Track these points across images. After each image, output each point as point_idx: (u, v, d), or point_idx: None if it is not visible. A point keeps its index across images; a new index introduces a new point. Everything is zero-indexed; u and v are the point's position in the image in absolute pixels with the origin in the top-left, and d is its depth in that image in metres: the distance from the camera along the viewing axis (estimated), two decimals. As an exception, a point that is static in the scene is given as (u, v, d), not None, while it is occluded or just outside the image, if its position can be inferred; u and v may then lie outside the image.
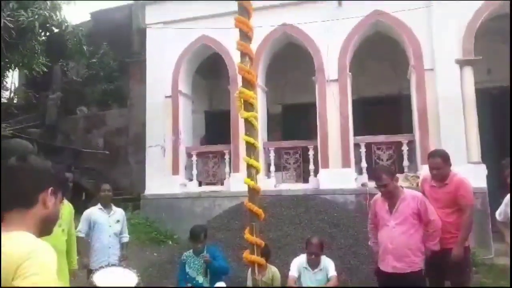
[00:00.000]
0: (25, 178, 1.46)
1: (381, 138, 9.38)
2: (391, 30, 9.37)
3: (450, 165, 4.47)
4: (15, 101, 14.77)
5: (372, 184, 8.87)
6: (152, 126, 10.78)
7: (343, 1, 9.39)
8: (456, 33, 8.63)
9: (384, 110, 10.87)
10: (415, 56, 8.93)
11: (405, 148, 9.04)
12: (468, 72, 8.55)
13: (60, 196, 1.55)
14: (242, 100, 4.09)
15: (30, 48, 8.72)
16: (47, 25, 8.44)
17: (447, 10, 8.59)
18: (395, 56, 9.96)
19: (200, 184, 10.56)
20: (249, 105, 4.09)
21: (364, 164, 9.20)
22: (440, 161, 4.41)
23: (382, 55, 10.35)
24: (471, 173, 6.96)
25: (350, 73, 9.51)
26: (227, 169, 10.18)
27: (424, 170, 7.75)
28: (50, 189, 1.48)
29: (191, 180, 10.49)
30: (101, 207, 5.61)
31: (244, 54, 4.13)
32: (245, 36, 4.11)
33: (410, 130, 9.44)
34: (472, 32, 8.55)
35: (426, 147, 8.36)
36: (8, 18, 7.32)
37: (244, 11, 4.12)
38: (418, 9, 8.71)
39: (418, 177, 8.40)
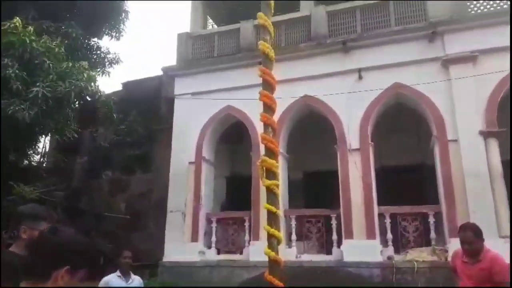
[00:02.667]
0: (45, 253, 1.50)
1: (406, 208, 9.14)
2: (411, 101, 9.52)
3: (482, 240, 4.29)
4: (44, 165, 15.31)
5: (398, 257, 8.53)
6: (174, 191, 10.90)
7: (363, 74, 9.71)
8: (478, 104, 8.69)
9: (408, 180, 10.70)
10: (437, 127, 8.96)
11: (431, 220, 8.75)
12: (493, 143, 8.46)
13: (82, 274, 1.54)
14: (264, 168, 4.12)
15: (63, 116, 9.22)
16: (82, 94, 8.99)
17: (467, 82, 8.72)
18: (417, 125, 10.03)
19: (218, 252, 10.36)
20: (271, 174, 4.12)
21: (389, 236, 8.90)
22: (471, 235, 4.25)
23: (404, 125, 10.43)
24: (502, 248, 6.61)
25: (372, 143, 9.54)
26: (246, 236, 10.00)
27: (452, 244, 7.45)
28: (65, 268, 1.48)
29: (209, 247, 10.31)
30: (120, 274, 5.52)
31: (267, 125, 4.24)
32: (269, 108, 4.25)
33: (435, 200, 9.19)
34: (495, 103, 8.59)
35: (454, 219, 8.09)
36: (47, 88, 7.85)
37: (268, 85, 4.30)
38: (438, 82, 8.91)
39: (446, 251, 8.04)
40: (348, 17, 10.49)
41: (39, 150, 15.08)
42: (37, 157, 15.22)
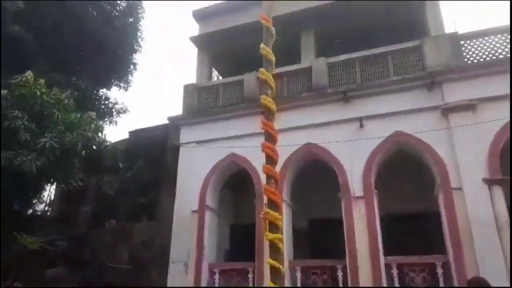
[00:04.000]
0: None
1: (413, 259, 8.95)
2: (413, 149, 9.59)
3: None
4: (49, 214, 15.27)
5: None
6: (177, 240, 10.80)
7: (364, 122, 9.86)
8: (480, 151, 8.70)
9: (414, 228, 10.54)
10: (440, 175, 8.96)
11: (439, 271, 8.53)
12: (498, 191, 8.39)
13: None
14: (267, 221, 4.16)
15: (70, 165, 9.35)
16: (89, 144, 9.17)
17: (468, 130, 8.79)
18: (420, 173, 10.02)
19: (222, 306, 10.07)
20: (274, 227, 4.14)
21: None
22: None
23: (407, 172, 10.43)
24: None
25: (376, 191, 9.52)
26: (251, 290, 9.75)
27: (462, 296, 7.24)
28: None
29: (212, 302, 10.03)
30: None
31: (269, 177, 4.33)
32: (271, 159, 4.36)
33: (442, 249, 9.00)
34: (497, 151, 8.62)
35: (462, 270, 7.90)
36: (55, 139, 8.04)
37: (270, 137, 4.43)
38: (439, 130, 9.03)
39: (456, 303, 7.78)
40: (348, 68, 10.82)
41: (44, 199, 15.12)
42: (41, 206, 15.24)
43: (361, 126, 9.83)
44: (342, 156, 9.83)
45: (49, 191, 15.28)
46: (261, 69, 4.02)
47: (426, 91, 9.57)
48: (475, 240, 8.14)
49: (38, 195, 13.23)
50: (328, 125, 10.26)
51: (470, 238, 8.23)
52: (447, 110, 9.17)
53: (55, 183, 11.64)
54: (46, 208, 15.50)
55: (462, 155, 8.79)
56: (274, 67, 4.12)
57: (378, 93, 9.98)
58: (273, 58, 3.95)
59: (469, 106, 8.97)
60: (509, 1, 8.68)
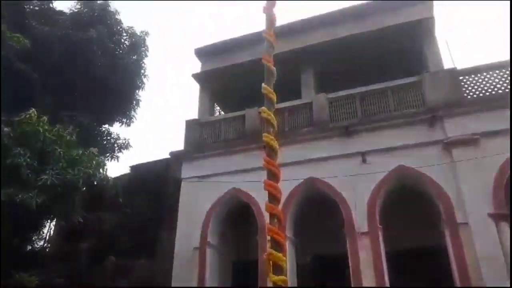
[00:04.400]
0: None
1: (421, 296, 8.70)
2: (417, 183, 9.53)
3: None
4: (48, 250, 15.02)
5: None
6: (178, 278, 10.55)
7: (367, 157, 9.84)
8: (484, 186, 8.65)
9: (421, 263, 10.28)
10: (445, 210, 8.86)
11: (448, 309, 8.28)
12: (504, 225, 8.27)
13: None
14: (271, 262, 4.04)
15: (71, 201, 9.28)
16: (90, 180, 9.13)
17: (471, 164, 8.77)
18: (425, 207, 9.87)
19: None
20: (278, 268, 4.02)
21: (404, 327, 8.37)
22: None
23: (412, 207, 10.27)
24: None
25: (381, 226, 9.37)
26: (253, 331, 9.43)
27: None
28: None
29: None
30: None
31: (272, 215, 4.24)
32: (274, 198, 4.27)
33: (450, 285, 8.75)
34: (501, 185, 8.56)
35: (472, 308, 7.64)
36: (56, 176, 8.01)
37: (272, 175, 4.37)
38: (442, 164, 9.00)
39: None
40: (348, 103, 10.92)
41: (43, 235, 14.93)
42: (40, 243, 15.01)
43: (364, 161, 9.80)
44: (346, 191, 9.75)
45: (49, 227, 15.11)
46: (263, 108, 4.00)
47: (427, 125, 9.62)
48: (484, 275, 7.93)
49: (38, 231, 13.06)
50: (330, 159, 10.24)
51: (478, 274, 8.04)
52: (449, 145, 9.18)
53: (55, 219, 11.51)
54: (45, 245, 15.26)
55: (467, 190, 8.72)
56: (275, 106, 4.13)
57: (379, 128, 10.03)
58: (274, 97, 3.93)
59: (471, 141, 8.99)
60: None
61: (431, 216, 9.71)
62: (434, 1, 11.57)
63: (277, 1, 3.19)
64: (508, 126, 8.66)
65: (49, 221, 11.40)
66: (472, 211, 8.51)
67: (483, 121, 9.08)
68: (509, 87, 9.47)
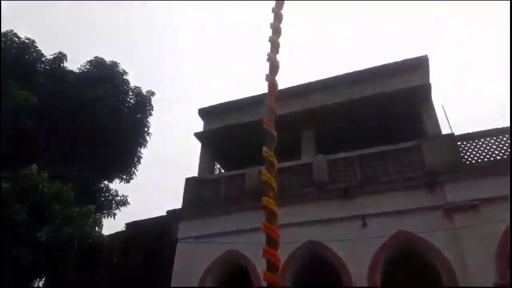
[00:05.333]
0: None
1: None
2: (418, 250, 9.31)
3: None
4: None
5: None
6: None
7: (367, 220, 9.71)
8: (487, 253, 8.43)
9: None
10: (448, 278, 8.58)
11: None
12: (509, 296, 7.97)
13: None
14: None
15: (65, 259, 9.04)
16: (86, 238, 8.98)
17: (473, 231, 8.61)
18: (427, 273, 9.56)
19: None
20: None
21: None
22: None
23: (414, 273, 9.95)
24: None
25: (382, 292, 9.04)
26: None
27: None
28: None
29: None
30: None
31: (270, 285, 4.11)
32: (272, 266, 4.14)
33: None
34: (504, 252, 8.35)
35: None
36: (51, 234, 7.89)
37: (271, 241, 4.29)
38: (443, 230, 8.86)
39: None
40: (348, 165, 10.98)
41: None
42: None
43: (364, 225, 9.66)
44: (346, 255, 9.51)
45: (38, 282, 14.54)
46: (263, 170, 4.03)
47: (427, 190, 9.59)
48: None
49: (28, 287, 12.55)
50: (330, 222, 10.10)
51: None
52: (449, 210, 9.10)
53: (44, 278, 11.13)
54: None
55: (469, 257, 8.51)
56: (276, 169, 4.16)
57: (379, 191, 10.00)
58: (275, 161, 3.98)
59: (471, 207, 8.92)
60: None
61: (434, 281, 9.39)
62: (430, 68, 12.05)
63: (278, 70, 3.36)
64: (508, 193, 8.65)
65: (41, 277, 11.01)
66: (475, 280, 8.22)
67: (483, 187, 9.06)
68: (507, 153, 9.58)
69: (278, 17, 3.32)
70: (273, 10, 3.30)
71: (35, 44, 12.91)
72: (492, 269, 8.26)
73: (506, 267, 8.18)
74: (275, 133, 4.54)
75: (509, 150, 9.63)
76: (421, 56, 12.04)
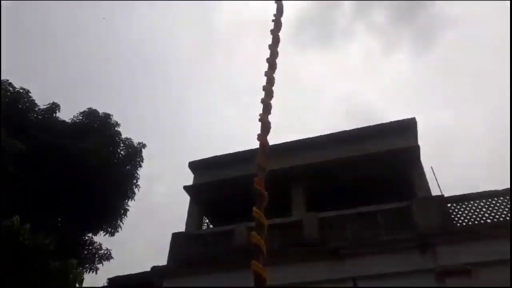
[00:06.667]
0: None
1: None
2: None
3: None
4: None
5: None
6: None
7: (358, 282, 9.42)
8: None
9: None
10: None
11: None
12: None
13: None
14: None
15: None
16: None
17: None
18: None
19: None
20: None
21: None
22: None
23: None
24: None
25: None
26: None
27: None
28: None
29: None
30: None
31: None
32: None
33: None
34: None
35: None
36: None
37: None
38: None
39: None
40: (338, 224, 10.85)
41: None
42: None
43: (355, 286, 9.36)
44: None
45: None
46: (253, 232, 3.95)
47: (418, 252, 9.43)
48: None
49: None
50: (320, 284, 9.76)
51: None
52: (442, 274, 8.90)
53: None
54: None
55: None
56: (266, 230, 4.09)
57: (370, 253, 9.80)
58: (265, 222, 3.94)
59: (464, 272, 8.73)
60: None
61: None
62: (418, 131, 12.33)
63: (270, 130, 3.41)
64: (501, 257, 8.55)
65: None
66: None
67: (475, 251, 8.95)
68: (497, 216, 9.57)
69: (270, 80, 3.42)
70: (266, 74, 3.39)
71: (29, 94, 13.05)
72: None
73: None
74: (265, 193, 4.51)
75: (499, 213, 9.63)
76: (409, 118, 12.36)
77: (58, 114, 13.56)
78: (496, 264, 8.55)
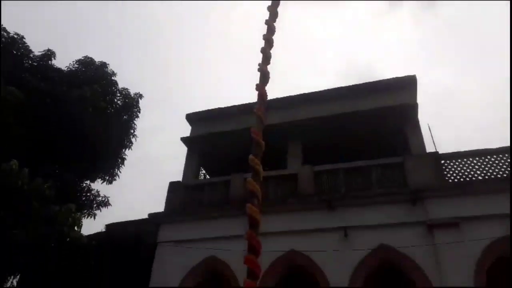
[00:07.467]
0: None
1: None
2: (399, 264, 9.38)
3: None
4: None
5: None
6: None
7: (349, 232, 9.75)
8: (466, 270, 8.55)
9: None
10: (426, 294, 8.65)
11: None
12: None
13: None
14: None
15: (40, 259, 8.86)
16: (64, 237, 8.80)
17: (453, 248, 8.74)
18: (408, 286, 9.64)
19: None
20: None
21: None
22: None
23: (394, 285, 10.03)
24: None
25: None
26: None
27: None
28: None
29: None
30: None
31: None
32: (253, 274, 4.14)
33: None
34: (483, 270, 8.50)
35: None
36: (29, 232, 7.72)
37: (253, 250, 4.28)
38: (424, 246, 8.96)
39: None
40: (333, 177, 11.06)
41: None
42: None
43: (346, 235, 9.71)
44: (326, 267, 9.52)
45: (11, 283, 14.17)
46: (248, 178, 4.03)
47: (409, 205, 9.70)
48: None
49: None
50: (312, 232, 10.12)
51: None
52: (431, 227, 9.22)
53: (19, 275, 10.85)
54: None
55: (448, 273, 8.62)
56: (261, 177, 4.16)
57: (362, 204, 10.08)
58: (261, 169, 3.99)
59: (452, 224, 9.06)
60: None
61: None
62: (418, 87, 12.26)
63: (269, 80, 3.39)
64: (490, 212, 8.86)
65: (12, 277, 10.72)
66: (453, 297, 8.34)
67: (465, 206, 9.23)
68: (488, 173, 9.77)
69: (270, 29, 3.36)
70: (266, 22, 3.33)
71: (24, 40, 12.74)
72: (471, 286, 8.36)
73: (484, 283, 8.31)
74: (262, 142, 4.56)
75: (490, 170, 9.83)
76: (409, 76, 12.25)
77: (53, 62, 13.34)
78: (484, 218, 8.86)
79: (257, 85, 3.42)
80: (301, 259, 9.91)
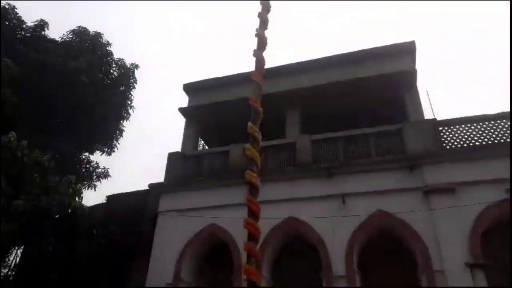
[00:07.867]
0: None
1: None
2: (395, 229, 9.57)
3: None
4: (11, 279, 14.28)
5: None
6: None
7: (347, 199, 9.89)
8: (461, 234, 8.74)
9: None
10: (422, 257, 8.87)
11: None
12: (480, 276, 8.31)
13: None
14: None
15: (42, 229, 8.98)
16: (65, 208, 8.91)
17: (449, 213, 8.89)
18: (404, 252, 9.86)
19: None
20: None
21: None
22: None
23: (391, 252, 10.26)
24: None
25: (358, 270, 9.30)
26: None
27: None
28: None
29: None
30: None
31: (250, 255, 4.20)
32: (252, 237, 4.25)
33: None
34: (478, 235, 8.67)
35: None
36: (30, 202, 7.81)
37: (253, 213, 4.37)
38: (421, 211, 9.11)
39: None
40: (331, 145, 11.10)
41: (9, 262, 14.23)
42: (5, 270, 14.28)
43: (344, 202, 9.85)
44: (324, 233, 9.71)
45: (15, 254, 14.44)
46: (248, 146, 4.07)
47: (407, 172, 9.79)
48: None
49: (3, 258, 12.47)
50: (311, 200, 10.25)
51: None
52: (427, 192, 9.35)
53: (23, 247, 11.06)
54: (10, 273, 14.51)
55: (443, 238, 8.81)
56: (260, 145, 4.18)
57: (360, 171, 10.17)
58: (259, 137, 4.04)
59: (448, 190, 9.17)
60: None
61: (410, 261, 9.70)
62: (417, 53, 12.11)
63: (266, 46, 3.36)
64: (485, 177, 8.97)
65: (16, 248, 10.94)
66: (448, 259, 8.55)
67: (461, 171, 9.33)
68: (485, 139, 9.82)
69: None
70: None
71: (15, 10, 12.45)
72: (466, 250, 8.57)
73: (479, 247, 8.51)
74: (261, 110, 4.57)
75: (488, 136, 9.87)
76: (408, 42, 12.06)
77: (46, 32, 13.08)
78: (480, 183, 8.98)
79: (254, 51, 3.40)
80: (300, 226, 10.08)
